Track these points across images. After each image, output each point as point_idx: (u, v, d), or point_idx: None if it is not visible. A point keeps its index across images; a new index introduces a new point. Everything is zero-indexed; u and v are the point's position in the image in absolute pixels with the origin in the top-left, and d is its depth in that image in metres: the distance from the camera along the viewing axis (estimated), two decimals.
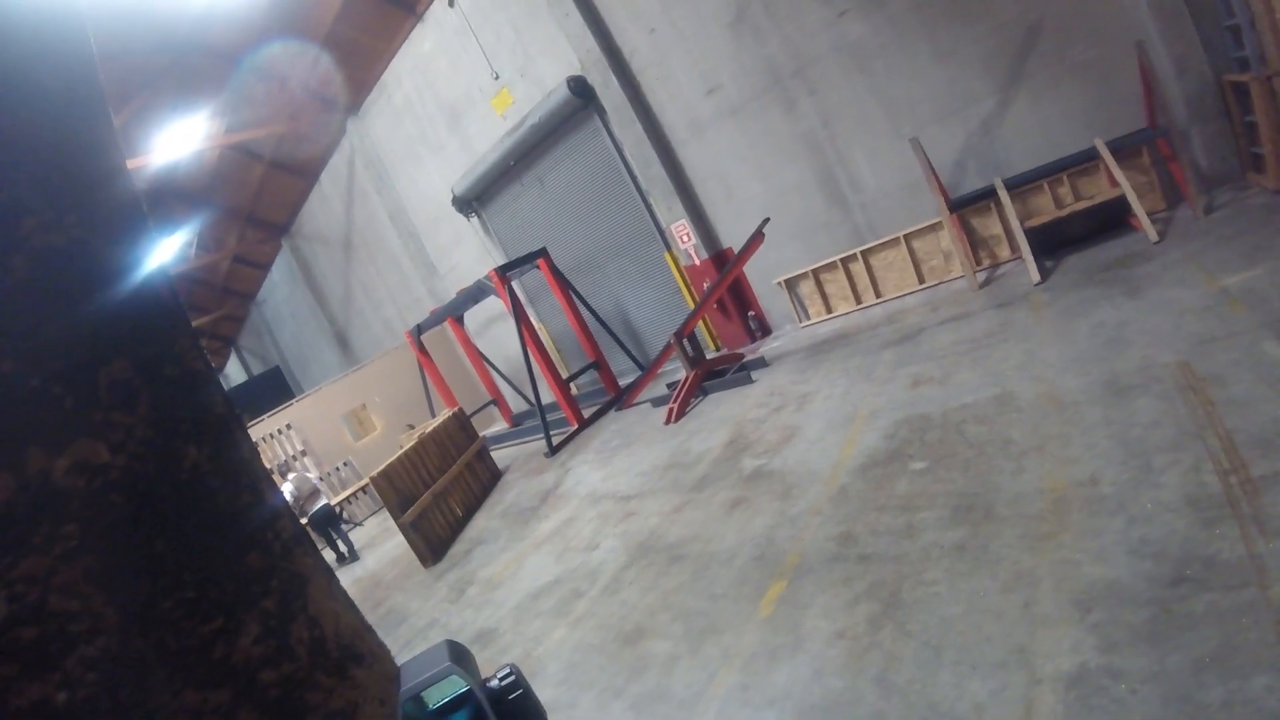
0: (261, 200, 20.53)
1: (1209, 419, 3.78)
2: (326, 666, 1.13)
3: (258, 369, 32.18)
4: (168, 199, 19.78)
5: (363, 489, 13.48)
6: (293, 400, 15.31)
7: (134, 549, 1.03)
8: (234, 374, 35.89)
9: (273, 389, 25.89)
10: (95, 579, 1.01)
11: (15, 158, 1.05)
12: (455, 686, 1.29)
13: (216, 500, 1.11)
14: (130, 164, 13.95)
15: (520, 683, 1.35)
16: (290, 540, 1.17)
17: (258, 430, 13.85)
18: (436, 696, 1.32)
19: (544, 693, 4.38)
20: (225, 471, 1.12)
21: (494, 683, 1.32)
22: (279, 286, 25.18)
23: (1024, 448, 4.47)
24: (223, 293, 27.53)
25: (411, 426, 12.78)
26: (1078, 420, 4.46)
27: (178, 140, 15.22)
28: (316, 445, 14.18)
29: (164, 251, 20.72)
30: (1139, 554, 3.12)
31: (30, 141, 1.07)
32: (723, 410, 8.54)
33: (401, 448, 9.65)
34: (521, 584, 6.36)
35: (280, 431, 13.91)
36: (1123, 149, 7.40)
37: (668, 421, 9.14)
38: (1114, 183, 7.41)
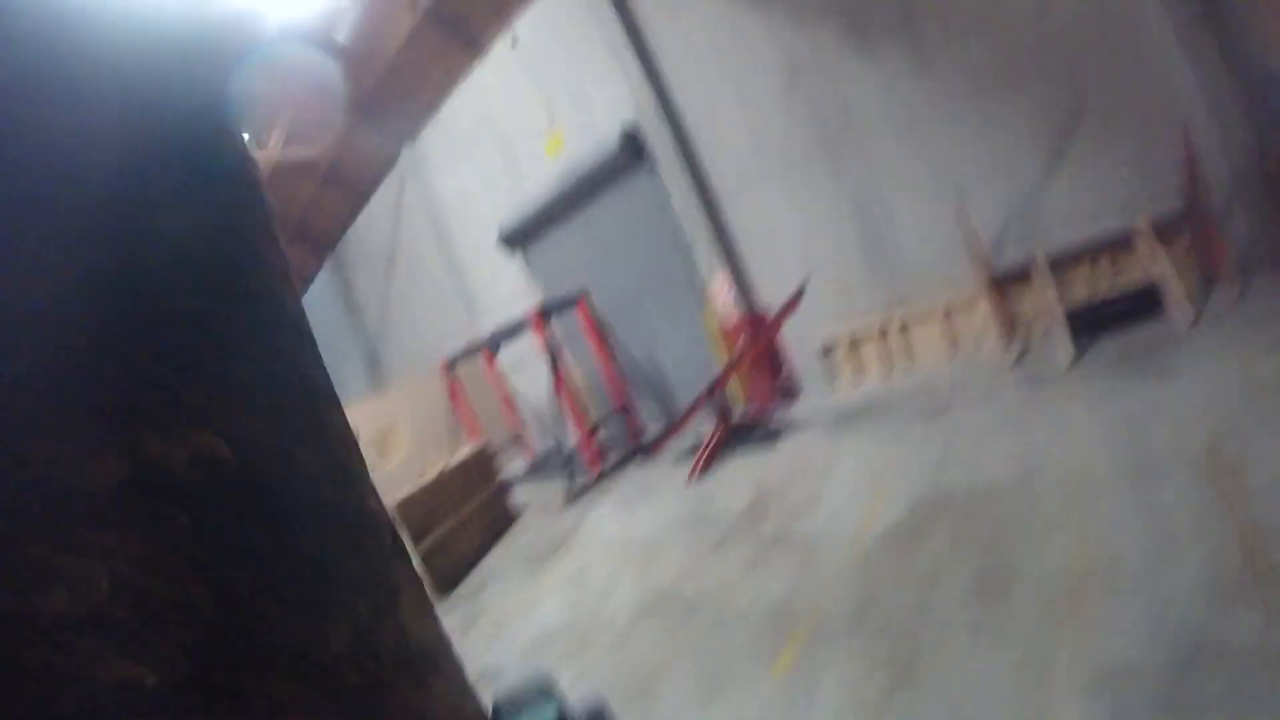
0: (310, 217, 20.97)
1: (1233, 505, 3.80)
2: (408, 673, 1.19)
3: None
4: None
5: None
6: None
7: (241, 544, 1.11)
8: None
9: None
10: (200, 568, 1.08)
11: (158, 158, 1.13)
12: (551, 711, 1.33)
13: (325, 506, 1.19)
14: None
15: (607, 715, 1.40)
16: (390, 551, 1.25)
17: None
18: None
19: None
20: (336, 479, 1.21)
21: (582, 709, 1.38)
22: (315, 303, 25.54)
23: (1047, 525, 4.48)
24: None
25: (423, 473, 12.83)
26: (1104, 500, 4.48)
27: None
28: None
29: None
30: (1156, 635, 3.15)
31: (170, 146, 1.16)
32: (747, 471, 8.55)
33: (425, 475, 9.72)
34: (532, 625, 6.36)
35: None
36: (1163, 227, 7.48)
37: (691, 477, 9.15)
38: (1153, 262, 7.45)
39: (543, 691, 1.23)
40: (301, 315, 1.27)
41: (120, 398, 1.03)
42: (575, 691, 4.82)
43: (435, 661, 1.27)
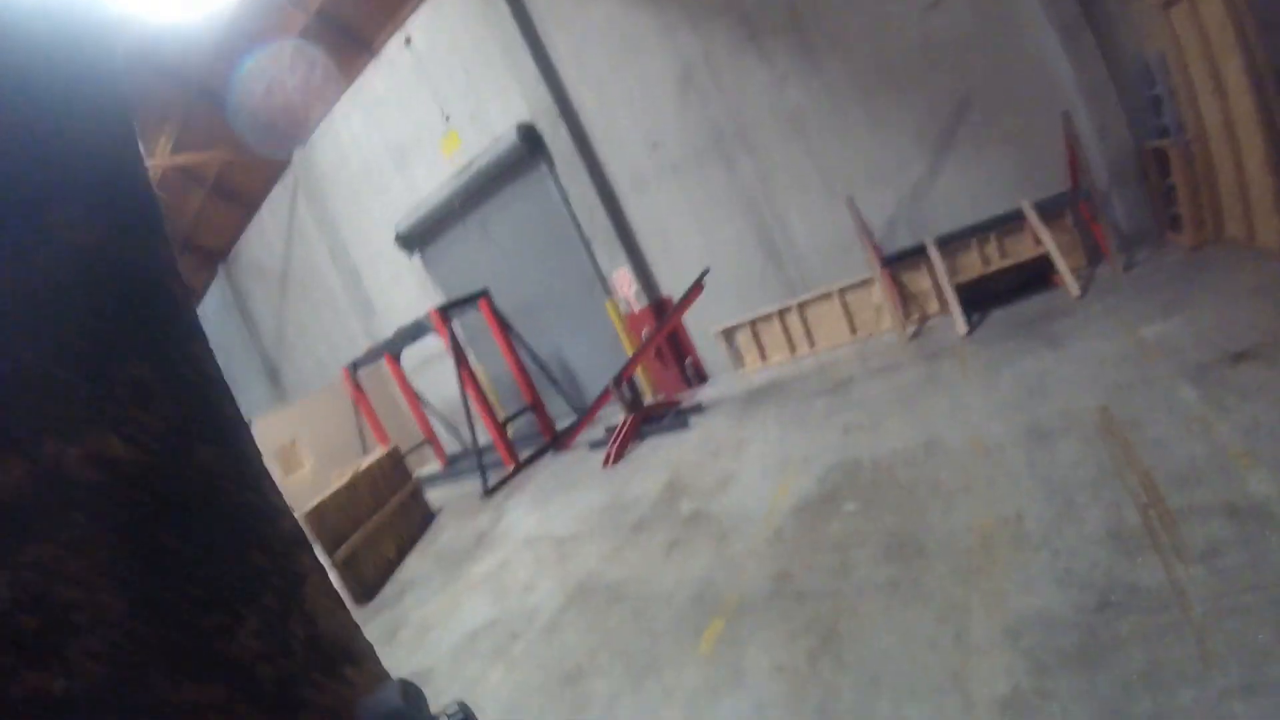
0: (200, 226, 20.03)
1: (1128, 459, 4.05)
2: (321, 664, 1.17)
3: None
4: None
5: None
6: None
7: (142, 542, 1.07)
8: None
9: None
10: (103, 570, 1.05)
11: (47, 157, 1.10)
12: None
13: (224, 499, 1.16)
14: None
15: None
16: (291, 540, 1.22)
17: None
18: None
19: None
20: (233, 472, 1.18)
21: None
22: (210, 316, 24.38)
23: (952, 489, 4.69)
24: None
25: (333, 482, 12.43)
26: (1003, 463, 4.70)
27: None
28: None
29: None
30: (1065, 584, 3.31)
31: (61, 143, 1.12)
32: (660, 455, 8.64)
33: (333, 486, 9.43)
34: (457, 626, 6.27)
35: None
36: (1047, 210, 7.93)
37: (605, 464, 9.19)
38: (1038, 242, 7.90)
39: (402, 705, 1.22)
40: (192, 311, 1.23)
41: (16, 401, 0.99)
42: (488, 691, 4.81)
43: (348, 650, 1.26)
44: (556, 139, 11.35)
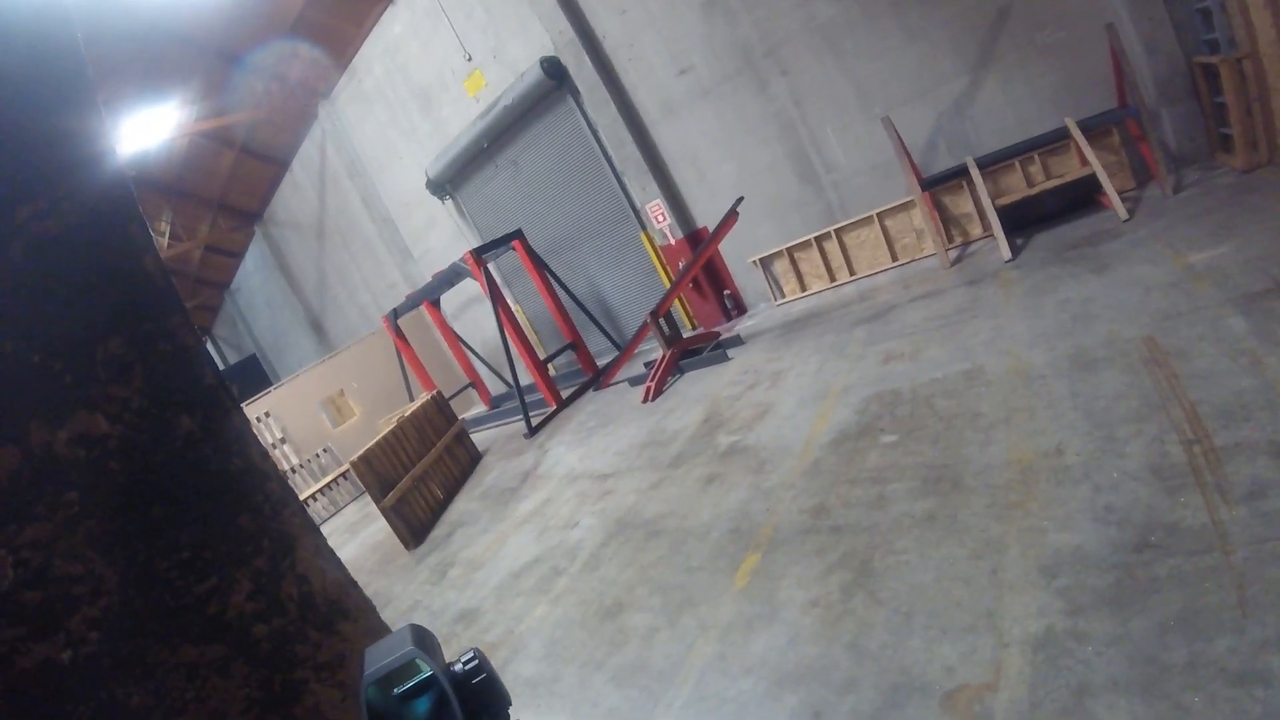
0: (233, 187, 20.27)
1: (1173, 391, 3.89)
2: (315, 621, 1.19)
3: (233, 358, 31.80)
4: (137, 189, 19.37)
5: (343, 475, 13.46)
6: (270, 388, 15.21)
7: (132, 513, 1.09)
8: None
9: (250, 377, 25.65)
10: (96, 543, 1.07)
11: (9, 150, 1.10)
12: (418, 671, 1.31)
13: (208, 466, 1.17)
14: None
15: (484, 667, 1.38)
16: (279, 501, 1.24)
17: None
18: (400, 681, 1.34)
19: (526, 668, 4.48)
20: (216, 439, 1.19)
21: (457, 667, 1.36)
22: (252, 274, 24.91)
23: (992, 420, 4.58)
24: (195, 282, 27.15)
25: (379, 429, 12.69)
26: (1045, 393, 4.57)
27: (147, 129, 14.99)
28: (295, 433, 14.11)
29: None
30: (1104, 521, 3.22)
31: (23, 134, 1.12)
32: (699, 388, 8.63)
33: (380, 432, 9.64)
34: (502, 564, 6.43)
35: (259, 420, 13.83)
36: (1093, 129, 7.52)
37: (645, 400, 9.23)
38: (1084, 162, 7.52)
39: (414, 650, 1.22)
40: (169, 284, 1.23)
41: (4, 389, 1.01)
42: (531, 626, 4.93)
43: (342, 607, 1.28)
44: (581, 70, 11.09)
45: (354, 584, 1.36)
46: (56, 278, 1.09)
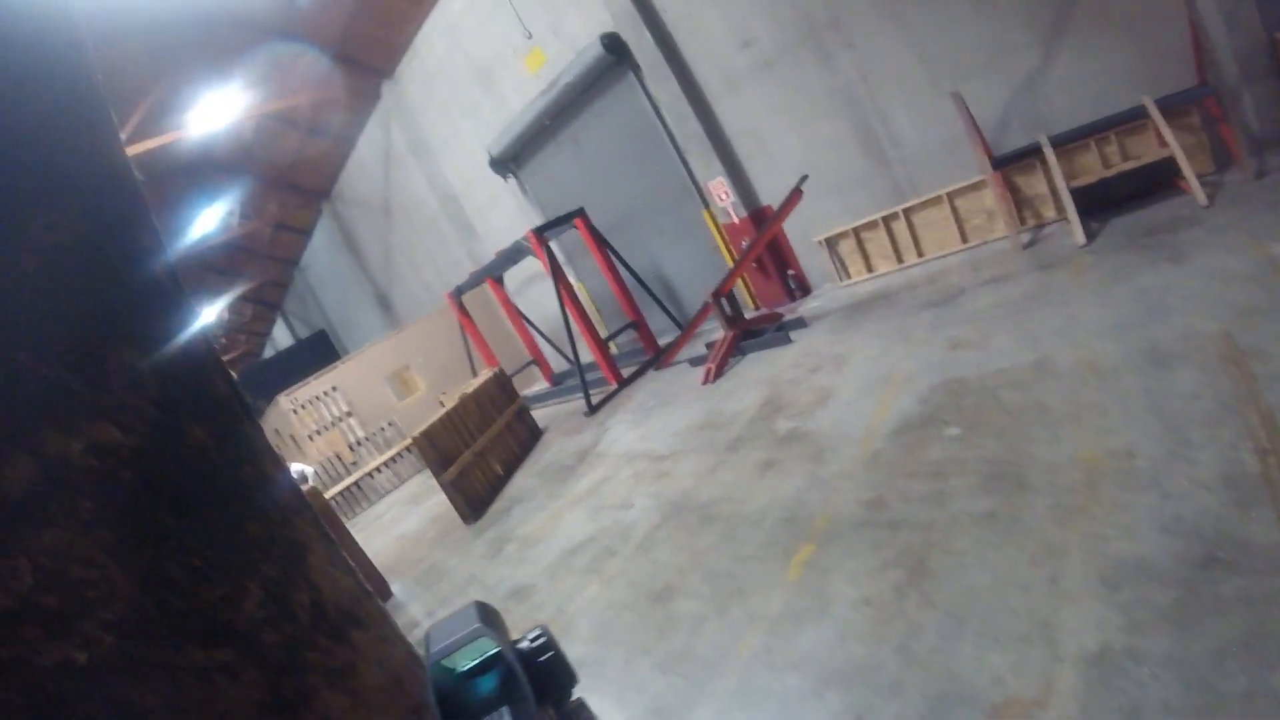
0: (300, 167, 20.78)
1: (1250, 394, 3.64)
2: (326, 629, 1.18)
3: (303, 333, 32.82)
4: (207, 170, 20.11)
5: (406, 449, 13.77)
6: (337, 363, 15.63)
7: (145, 521, 1.09)
8: (280, 338, 36.61)
9: (319, 352, 26.43)
10: (110, 549, 1.08)
11: (22, 162, 1.10)
12: (485, 648, 1.29)
13: (220, 474, 1.16)
14: (166, 139, 14.16)
15: (551, 644, 1.36)
16: (290, 510, 1.23)
17: (304, 393, 14.17)
18: (466, 659, 1.33)
19: (574, 649, 4.49)
20: (228, 447, 1.18)
21: (524, 644, 1.34)
22: (320, 251, 25.58)
23: (1060, 416, 4.37)
24: (266, 259, 28.02)
25: (441, 404, 12.87)
26: (1116, 389, 4.34)
27: (213, 113, 15.42)
28: (361, 406, 14.49)
29: (196, 234, 21.24)
30: (1170, 532, 3.04)
31: (35, 146, 1.12)
32: (759, 370, 8.52)
33: (442, 407, 9.81)
34: (557, 541, 6.48)
35: (326, 394, 14.24)
36: (1171, 108, 7.06)
37: (705, 381, 9.16)
38: (1163, 143, 7.09)
39: (480, 628, 1.20)
40: (180, 292, 1.22)
41: (17, 401, 1.02)
42: (581, 606, 4.94)
43: (354, 615, 1.26)
44: (641, 45, 10.94)
45: (367, 592, 1.35)
46: (69, 288, 1.10)
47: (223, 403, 1.21)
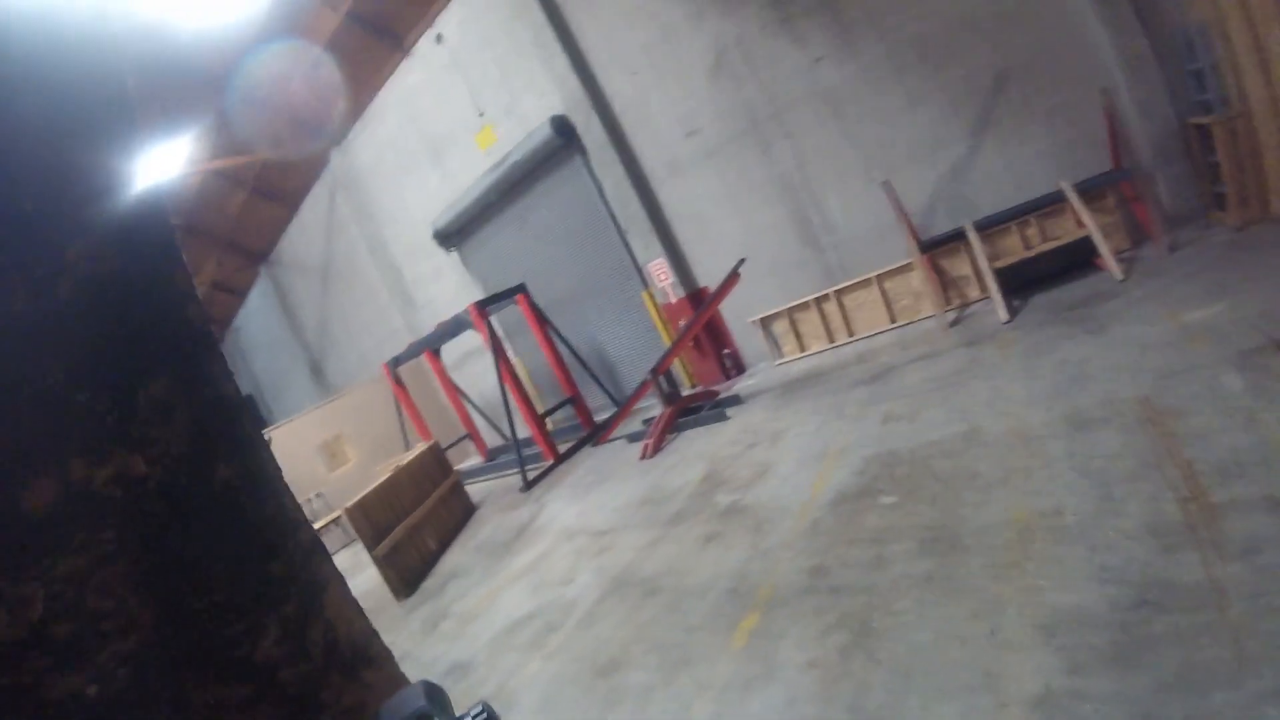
0: (242, 227, 20.51)
1: (1169, 450, 3.94)
2: (340, 667, 1.22)
3: None
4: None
5: (334, 521, 13.35)
6: (266, 429, 15.18)
7: (166, 554, 1.13)
8: None
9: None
10: (129, 581, 1.10)
11: (57, 189, 1.15)
12: None
13: (243, 512, 1.21)
14: None
15: None
16: (310, 549, 1.27)
17: None
18: None
19: None
20: (252, 485, 1.22)
21: None
22: (255, 314, 25.03)
23: (990, 481, 4.61)
24: None
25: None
26: (1042, 453, 4.61)
27: (160, 164, 15.20)
28: (290, 476, 14.01)
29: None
30: (1101, 580, 3.24)
31: (71, 174, 1.18)
32: (698, 446, 8.65)
33: (375, 480, 9.61)
34: (496, 618, 6.36)
35: None
36: (1089, 190, 7.73)
37: (643, 457, 9.23)
38: (1080, 224, 7.71)
39: (426, 706, 1.24)
40: (208, 329, 1.28)
41: (46, 425, 1.05)
42: (524, 682, 4.87)
43: (366, 654, 1.30)
44: (590, 129, 11.36)
45: (376, 633, 1.39)
46: (102, 318, 1.14)
47: (248, 442, 1.26)
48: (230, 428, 1.24)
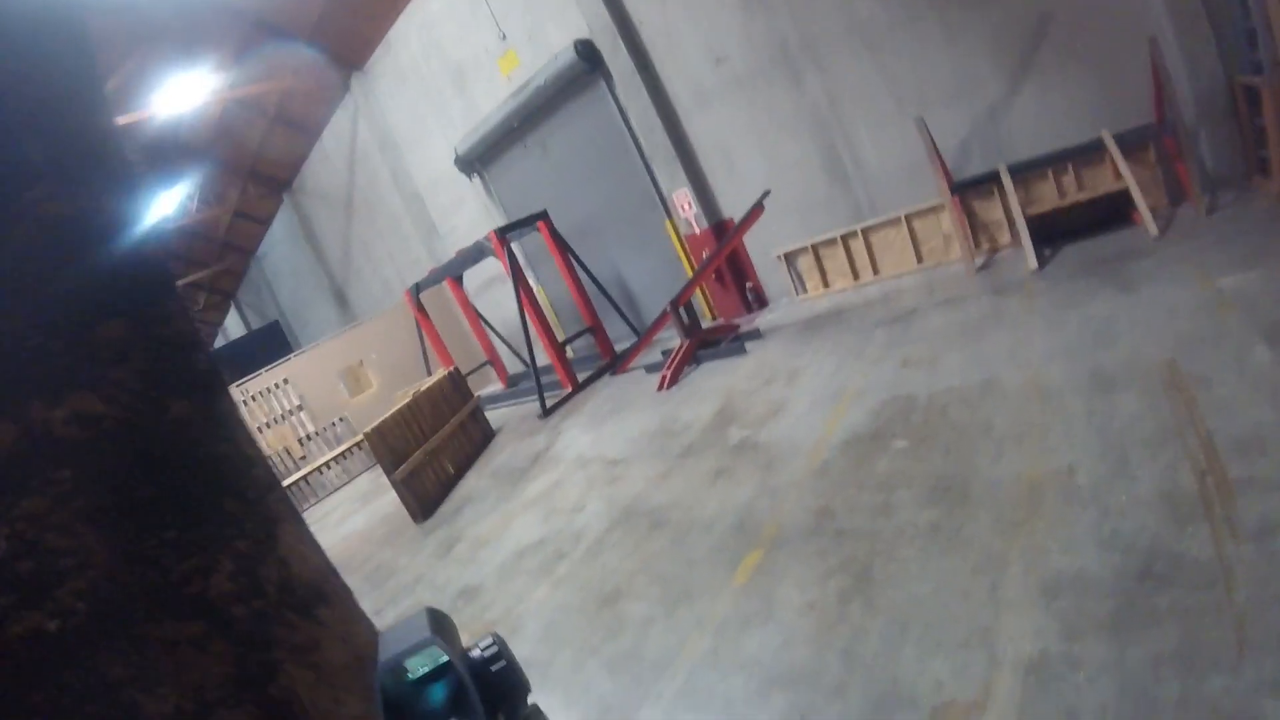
0: (264, 155, 20.42)
1: (1190, 418, 3.82)
2: (293, 604, 1.22)
3: (257, 323, 32.12)
4: (169, 153, 19.68)
5: (357, 445, 13.60)
6: (290, 355, 15.38)
7: (122, 492, 1.12)
8: (233, 328, 35.78)
9: (272, 344, 25.89)
10: (86, 519, 1.10)
11: (21, 133, 1.12)
12: (436, 657, 1.27)
13: (198, 450, 1.19)
14: (131, 118, 13.81)
15: (504, 654, 1.36)
16: (264, 486, 1.26)
17: (255, 385, 13.91)
18: (416, 666, 1.31)
19: (522, 649, 4.52)
20: (206, 424, 1.21)
21: (476, 653, 1.33)
22: (279, 243, 25.13)
23: (1005, 434, 4.53)
24: (223, 247, 27.41)
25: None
26: (1060, 410, 4.51)
27: (180, 94, 15.11)
28: (312, 401, 14.27)
29: (158, 216, 20.70)
30: (1109, 546, 3.17)
31: (32, 116, 1.14)
32: (715, 380, 8.63)
33: (396, 405, 9.73)
34: (507, 543, 6.49)
35: (277, 386, 14.00)
36: (1128, 143, 7.38)
37: (660, 388, 9.24)
38: (1118, 176, 7.39)
39: (431, 636, 1.23)
40: (167, 269, 1.25)
41: (6, 367, 1.04)
42: (530, 608, 4.97)
43: (321, 591, 1.30)
44: (615, 55, 11.04)
45: (333, 571, 1.39)
46: (61, 260, 1.12)
47: (204, 379, 1.24)
48: (186, 366, 1.22)
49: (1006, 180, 7.85)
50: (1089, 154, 7.72)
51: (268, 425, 13.75)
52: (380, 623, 5.72)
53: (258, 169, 21.31)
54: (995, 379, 5.35)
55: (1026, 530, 3.55)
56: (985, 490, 4.04)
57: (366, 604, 6.50)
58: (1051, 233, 8.05)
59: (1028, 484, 3.92)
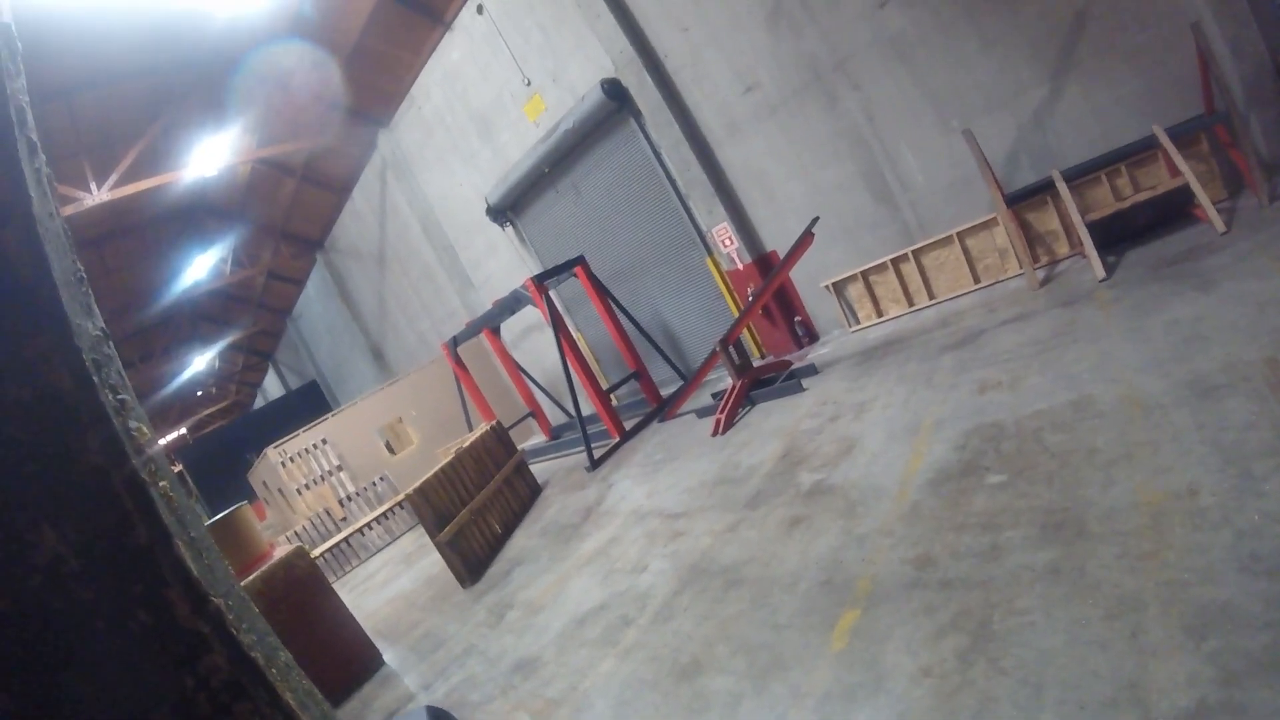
0: (294, 215, 20.63)
1: None
2: None
3: (295, 383, 32.36)
4: (200, 215, 19.97)
5: (399, 504, 13.26)
6: (328, 414, 15.18)
7: None
8: (271, 388, 36.13)
9: (311, 403, 25.95)
10: None
11: None
12: None
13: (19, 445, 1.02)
14: (159, 180, 14.01)
15: None
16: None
17: (294, 445, 13.69)
18: None
19: None
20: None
21: None
22: (314, 301, 25.30)
23: (1111, 457, 4.05)
24: (259, 308, 27.72)
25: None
26: (1165, 425, 4.05)
27: (208, 157, 15.27)
28: (352, 460, 14.01)
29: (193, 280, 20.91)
30: (1251, 572, 2.76)
31: None
32: (773, 421, 8.14)
33: (438, 463, 9.37)
34: (565, 608, 6.01)
35: (316, 446, 13.77)
36: (1180, 136, 6.95)
37: (715, 433, 8.77)
38: (1175, 172, 6.97)
39: None
40: None
41: None
42: (597, 683, 4.48)
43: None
44: (643, 90, 10.81)
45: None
46: None
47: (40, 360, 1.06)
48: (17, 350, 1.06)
49: (1062, 187, 7.37)
50: (1141, 152, 7.32)
51: (306, 486, 13.48)
52: (429, 698, 5.20)
53: (289, 229, 21.53)
54: (1086, 397, 4.86)
55: (1157, 562, 3.09)
56: (1102, 521, 3.56)
57: (413, 677, 6.04)
58: (1111, 237, 7.57)
59: (1148, 510, 3.46)
